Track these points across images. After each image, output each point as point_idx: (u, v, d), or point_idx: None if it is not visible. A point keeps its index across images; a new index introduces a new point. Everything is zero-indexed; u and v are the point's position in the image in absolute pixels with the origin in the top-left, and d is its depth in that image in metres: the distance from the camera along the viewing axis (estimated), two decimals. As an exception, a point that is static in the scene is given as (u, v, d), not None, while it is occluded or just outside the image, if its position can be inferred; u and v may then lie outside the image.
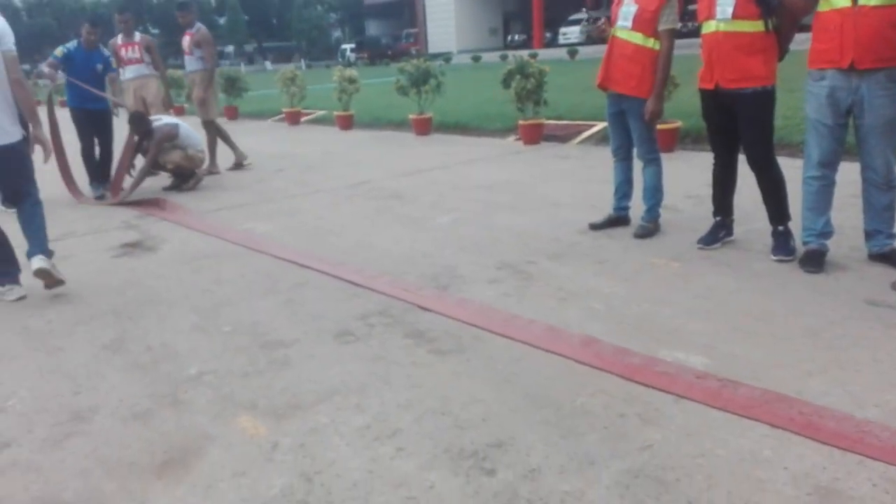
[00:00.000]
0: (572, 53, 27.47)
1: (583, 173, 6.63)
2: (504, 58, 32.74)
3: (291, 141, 10.69)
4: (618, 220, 4.64)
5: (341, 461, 2.23)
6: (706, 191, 5.30)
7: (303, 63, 47.13)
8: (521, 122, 8.55)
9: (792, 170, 4.16)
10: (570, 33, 37.86)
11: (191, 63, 7.74)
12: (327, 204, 6.02)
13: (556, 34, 39.12)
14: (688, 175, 6.02)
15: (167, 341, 3.27)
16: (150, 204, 6.23)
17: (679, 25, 4.24)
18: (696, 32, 4.27)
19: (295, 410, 2.57)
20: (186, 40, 7.67)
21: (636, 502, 1.95)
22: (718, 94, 3.83)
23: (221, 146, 7.93)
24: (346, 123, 11.64)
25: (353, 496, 2.06)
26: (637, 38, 4.17)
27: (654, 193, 4.45)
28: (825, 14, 3.33)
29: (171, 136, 6.62)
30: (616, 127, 4.50)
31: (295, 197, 6.38)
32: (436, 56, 32.57)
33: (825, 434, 2.18)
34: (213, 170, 7.69)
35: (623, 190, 4.62)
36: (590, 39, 36.29)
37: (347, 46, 52.62)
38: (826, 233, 3.65)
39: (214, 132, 7.82)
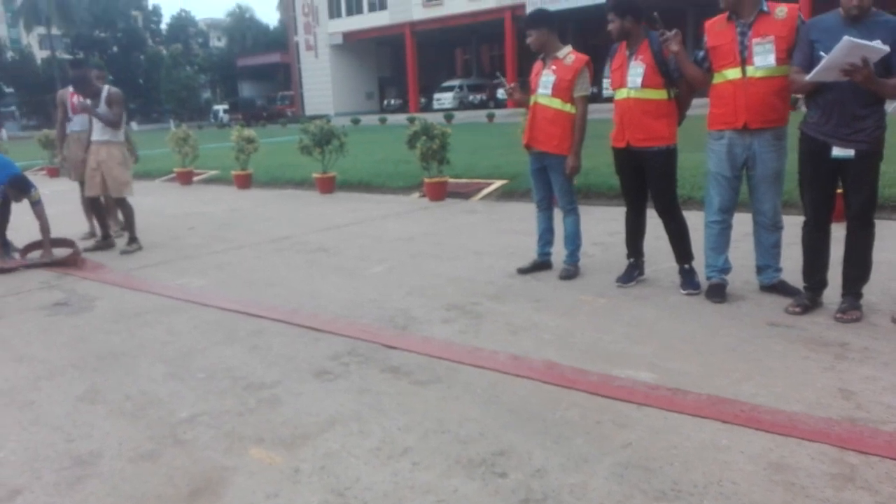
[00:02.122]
0: (448, 118, 28.78)
1: (493, 225, 7.15)
2: (383, 121, 33.78)
3: (191, 200, 10.57)
4: (542, 264, 5.13)
5: (365, 477, 2.45)
6: (609, 239, 5.98)
7: (172, 124, 45.97)
8: (426, 179, 9.04)
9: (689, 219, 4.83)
10: (444, 99, 39.69)
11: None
12: (255, 258, 6.13)
13: (430, 100, 40.83)
14: (589, 226, 6.65)
15: (145, 390, 3.31)
16: (66, 263, 6.05)
17: (591, 92, 4.87)
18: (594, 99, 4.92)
19: (303, 440, 2.75)
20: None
21: (632, 486, 2.32)
22: (629, 151, 4.45)
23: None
24: (245, 182, 11.67)
25: (387, 504, 2.29)
26: (556, 103, 4.75)
27: (574, 239, 4.98)
28: (720, 85, 4.03)
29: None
30: (539, 181, 5.02)
31: (218, 252, 6.43)
32: (314, 118, 32.99)
33: (766, 425, 2.67)
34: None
35: (546, 237, 5.13)
36: (462, 105, 38.28)
37: (220, 107, 52.06)
38: (726, 269, 4.30)
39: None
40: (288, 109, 48.58)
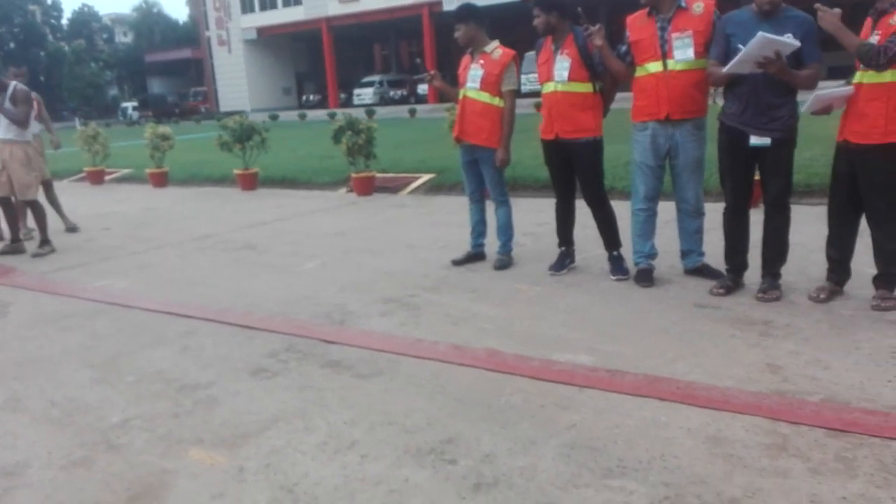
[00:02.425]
0: (370, 114, 28.59)
1: (423, 219, 7.15)
2: (303, 117, 33.22)
3: (104, 200, 10.08)
4: (475, 255, 5.17)
5: (314, 472, 2.41)
6: (538, 229, 6.09)
7: (77, 122, 43.60)
8: (353, 174, 8.94)
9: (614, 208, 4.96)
10: (364, 94, 39.28)
11: None
12: (178, 257, 5.91)
13: (350, 95, 40.39)
14: (518, 217, 6.71)
15: (71, 396, 3.14)
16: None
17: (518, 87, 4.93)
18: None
19: (245, 439, 2.67)
20: None
21: (579, 465, 2.37)
22: (558, 143, 4.53)
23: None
24: (161, 181, 11.24)
25: (339, 498, 2.25)
26: (484, 97, 4.78)
27: (507, 230, 5.04)
28: (643, 78, 4.16)
29: None
30: (470, 174, 5.05)
31: (139, 253, 6.16)
32: (229, 114, 31.95)
33: (701, 401, 2.78)
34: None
35: (479, 229, 5.17)
36: (382, 101, 38.06)
37: (129, 104, 49.81)
38: (652, 254, 4.44)
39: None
40: (202, 106, 46.96)
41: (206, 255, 5.96)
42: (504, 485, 2.28)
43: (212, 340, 3.79)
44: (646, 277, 4.35)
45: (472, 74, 4.82)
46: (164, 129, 11.38)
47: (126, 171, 12.85)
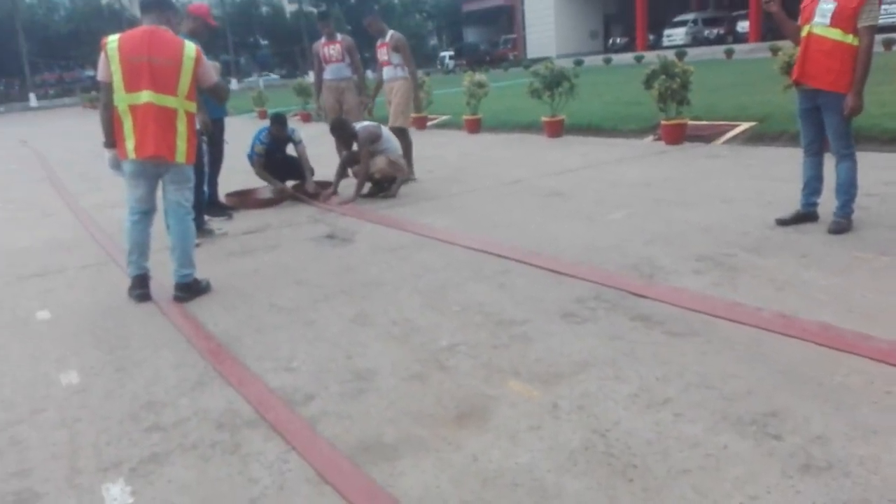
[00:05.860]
0: (680, 56, 26.92)
1: (741, 171, 6.62)
2: (608, 62, 32.55)
3: (426, 144, 10.98)
4: (806, 215, 4.65)
5: (625, 422, 2.44)
6: (885, 189, 5.29)
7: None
8: (663, 121, 8.58)
9: None
10: (675, 35, 37.15)
11: (388, 72, 7.61)
12: (490, 200, 6.28)
13: (659, 36, 38.45)
14: (860, 175, 5.89)
15: (407, 317, 3.57)
16: (322, 200, 6.68)
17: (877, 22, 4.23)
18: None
19: (558, 378, 2.79)
20: (382, 51, 7.60)
21: (939, 468, 2.06)
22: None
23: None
24: (475, 127, 11.96)
25: (652, 452, 2.25)
26: (835, 34, 4.20)
27: (849, 189, 4.44)
28: None
29: (375, 136, 6.63)
30: (808, 122, 4.53)
31: (456, 195, 6.68)
32: (536, 61, 32.37)
33: None
34: (410, 177, 7.60)
35: (813, 186, 4.64)
36: (695, 41, 35.54)
37: (446, 53, 53.47)
38: None
39: (409, 139, 7.84)
40: (510, 53, 48.61)
41: (516, 199, 6.24)
42: (839, 471, 2.08)
43: (524, 280, 4.00)
44: None
45: (822, 8, 4.26)
46: (481, 77, 11.99)
47: (444, 117, 13.89)
